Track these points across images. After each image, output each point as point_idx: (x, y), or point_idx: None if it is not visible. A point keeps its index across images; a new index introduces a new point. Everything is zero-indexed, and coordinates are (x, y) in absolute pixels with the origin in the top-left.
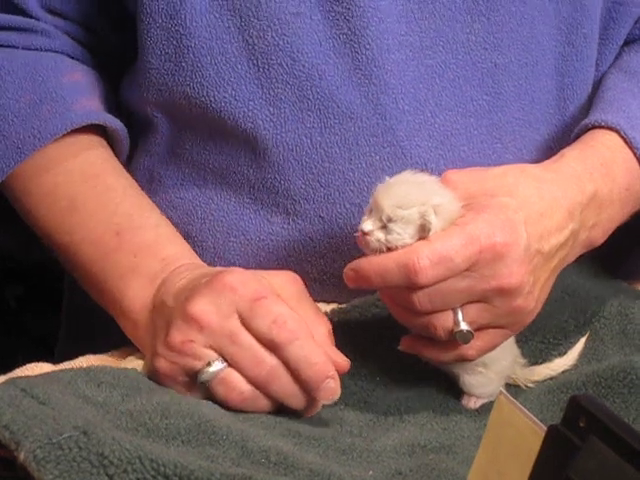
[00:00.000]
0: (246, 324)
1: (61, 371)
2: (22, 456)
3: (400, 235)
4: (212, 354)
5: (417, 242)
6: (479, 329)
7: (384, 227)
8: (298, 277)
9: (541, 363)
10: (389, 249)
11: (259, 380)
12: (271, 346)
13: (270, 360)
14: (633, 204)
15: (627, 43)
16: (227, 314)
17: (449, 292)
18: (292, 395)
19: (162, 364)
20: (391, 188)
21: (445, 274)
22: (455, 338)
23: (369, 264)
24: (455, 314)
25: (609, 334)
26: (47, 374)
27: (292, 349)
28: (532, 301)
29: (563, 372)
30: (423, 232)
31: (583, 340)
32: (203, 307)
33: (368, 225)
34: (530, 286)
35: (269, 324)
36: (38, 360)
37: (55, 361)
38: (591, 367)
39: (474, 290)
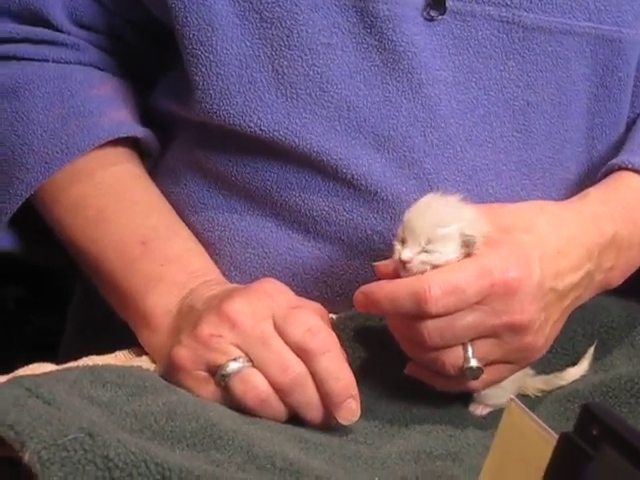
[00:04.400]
0: (280, 330)
1: (66, 370)
2: (27, 457)
3: (442, 254)
4: (238, 352)
5: (430, 271)
6: (487, 364)
7: (423, 251)
8: (326, 311)
9: (548, 373)
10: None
11: (283, 386)
12: (302, 354)
13: (298, 367)
14: None
15: None
16: (262, 317)
17: (459, 325)
18: (311, 407)
19: (184, 354)
20: (423, 210)
21: (456, 305)
22: (464, 374)
23: (380, 289)
24: (465, 350)
25: (616, 345)
26: (52, 373)
27: (323, 360)
28: (542, 338)
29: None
30: (468, 247)
31: (592, 349)
32: (239, 307)
33: (407, 253)
34: (541, 323)
35: (303, 332)
36: (40, 359)
37: (60, 360)
38: (598, 377)
39: (484, 324)
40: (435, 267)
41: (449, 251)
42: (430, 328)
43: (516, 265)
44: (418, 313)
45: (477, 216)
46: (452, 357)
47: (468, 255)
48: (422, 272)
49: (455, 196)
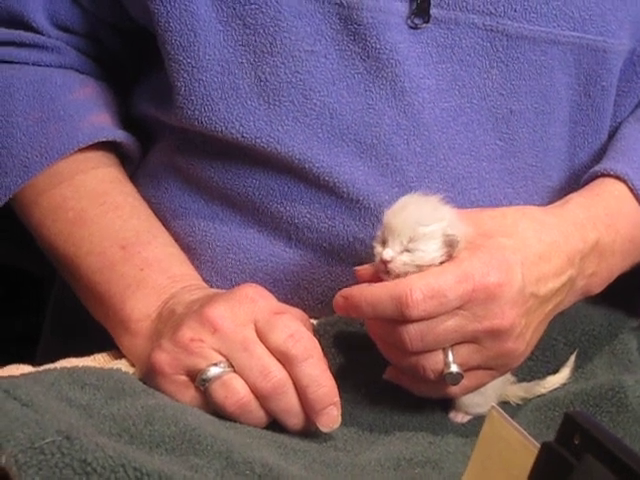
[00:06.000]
0: (262, 335)
1: (44, 372)
2: (3, 460)
3: (424, 252)
4: (219, 357)
5: (411, 275)
6: (468, 370)
7: (405, 250)
8: (307, 317)
9: (529, 380)
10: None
11: (263, 392)
12: (284, 360)
13: (279, 373)
14: (636, 255)
15: None
16: (243, 322)
17: (440, 330)
18: (292, 413)
19: (163, 358)
20: (404, 209)
21: (437, 309)
22: (444, 379)
23: (361, 292)
24: (445, 355)
25: (598, 353)
26: (30, 375)
27: (305, 366)
28: (522, 344)
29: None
30: (450, 247)
31: (573, 358)
32: (221, 312)
33: (388, 252)
34: (522, 328)
35: (285, 338)
36: (17, 362)
37: (36, 363)
38: (579, 385)
39: (465, 329)
40: (417, 267)
41: (432, 249)
42: (411, 332)
43: (497, 270)
44: (399, 317)
45: (457, 217)
46: (432, 362)
47: (450, 255)
48: (404, 273)
49: (434, 196)
